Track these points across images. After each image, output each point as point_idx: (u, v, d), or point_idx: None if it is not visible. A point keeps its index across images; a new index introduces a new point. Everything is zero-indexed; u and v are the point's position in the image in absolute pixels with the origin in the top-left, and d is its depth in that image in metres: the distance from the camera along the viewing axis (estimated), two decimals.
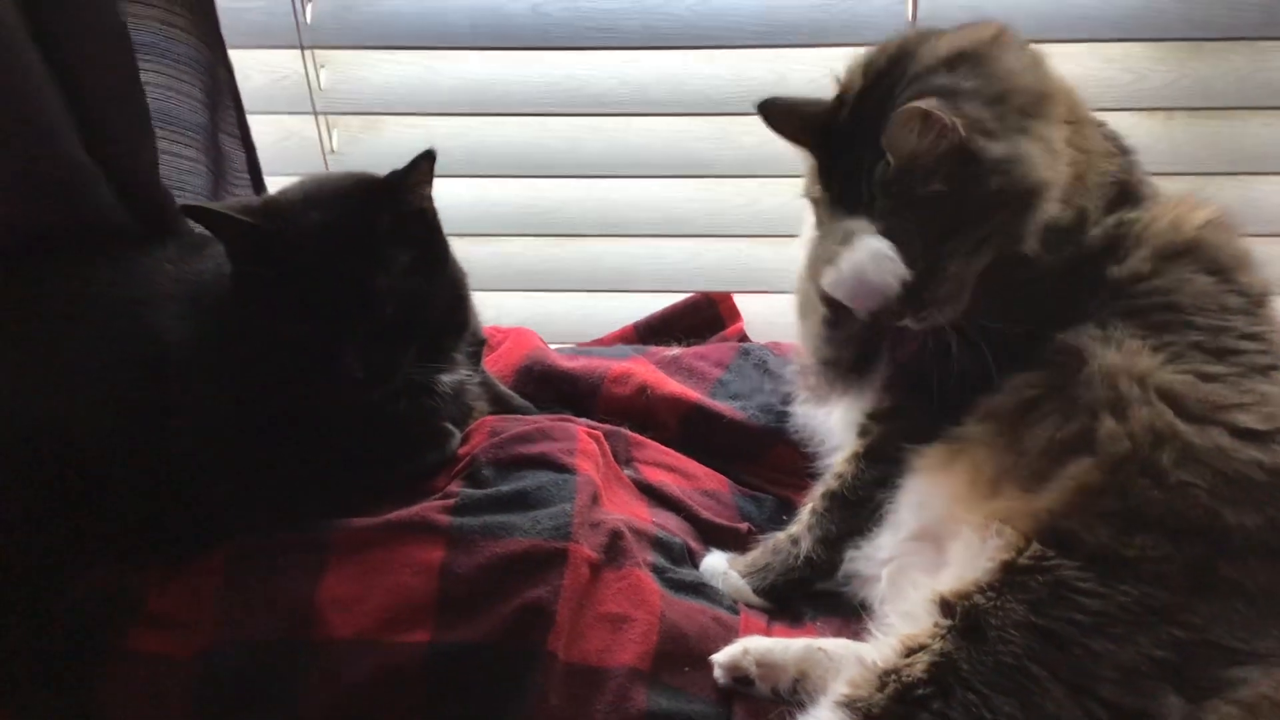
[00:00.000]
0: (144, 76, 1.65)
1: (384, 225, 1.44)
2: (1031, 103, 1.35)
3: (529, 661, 1.31)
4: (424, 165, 1.46)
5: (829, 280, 1.36)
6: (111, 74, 1.59)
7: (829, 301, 1.42)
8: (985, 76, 1.33)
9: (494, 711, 1.29)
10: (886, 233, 1.29)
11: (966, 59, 1.35)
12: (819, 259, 1.39)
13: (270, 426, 1.48)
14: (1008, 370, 1.36)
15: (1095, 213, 1.40)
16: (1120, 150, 1.48)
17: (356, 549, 1.41)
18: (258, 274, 1.41)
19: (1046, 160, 1.32)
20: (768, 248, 2.32)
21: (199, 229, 1.71)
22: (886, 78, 1.37)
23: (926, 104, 1.24)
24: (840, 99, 1.41)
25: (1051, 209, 1.34)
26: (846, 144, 1.36)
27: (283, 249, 1.40)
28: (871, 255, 1.31)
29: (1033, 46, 1.43)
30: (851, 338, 1.46)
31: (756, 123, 2.15)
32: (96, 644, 1.37)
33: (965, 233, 1.30)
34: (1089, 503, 1.22)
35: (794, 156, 2.11)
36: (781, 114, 1.41)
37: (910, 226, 1.29)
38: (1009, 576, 1.20)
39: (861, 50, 1.45)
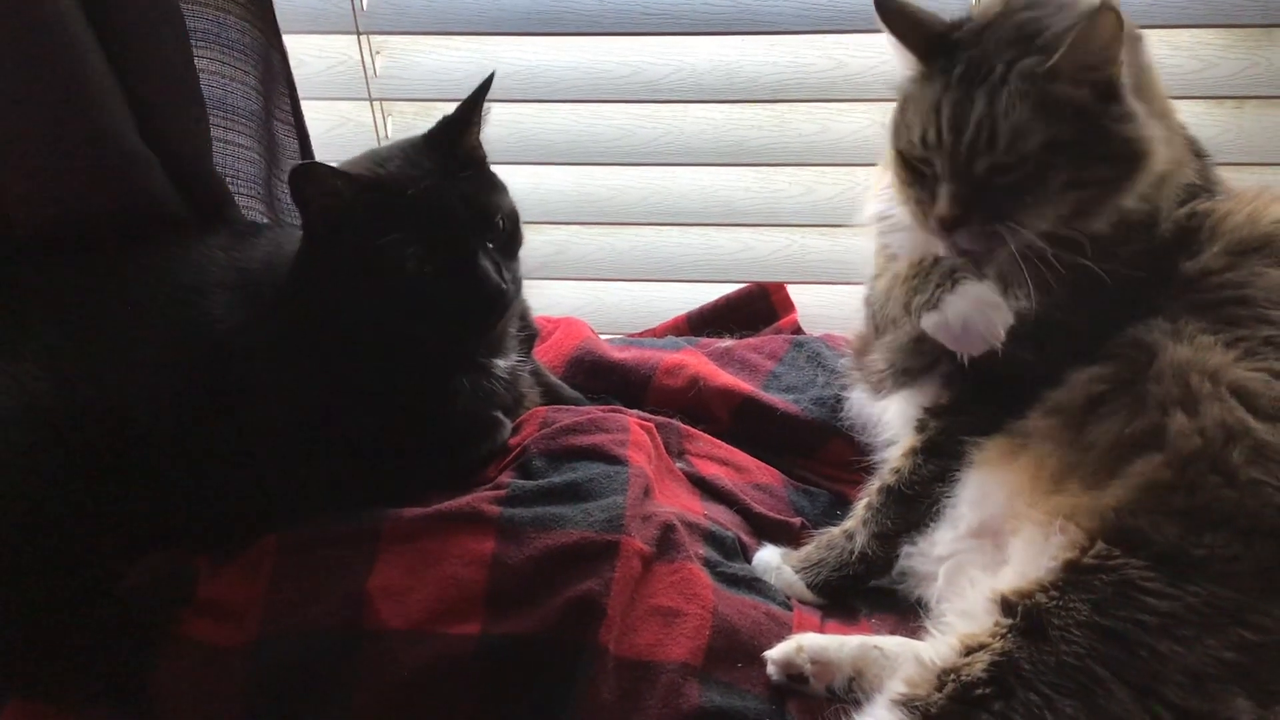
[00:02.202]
0: (198, 63, 1.66)
1: (464, 154, 1.52)
2: (1149, 98, 1.35)
3: (580, 655, 1.30)
4: (484, 89, 1.54)
5: (931, 325, 1.36)
6: (166, 61, 1.60)
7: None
8: (1131, 52, 1.32)
9: (545, 704, 1.29)
10: (1000, 113, 1.27)
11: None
12: (918, 295, 1.40)
13: (324, 415, 1.48)
14: (1074, 364, 1.34)
15: (1167, 210, 1.39)
16: (1196, 155, 1.47)
17: (407, 539, 1.41)
18: (363, 229, 1.42)
19: (1162, 140, 1.33)
20: (822, 238, 2.29)
21: (252, 215, 1.72)
22: (1028, 9, 1.34)
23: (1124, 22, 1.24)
24: (966, 19, 1.38)
25: (1143, 188, 1.32)
26: (968, 48, 1.33)
27: (396, 189, 1.43)
28: (977, 304, 1.32)
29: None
30: (934, 348, 1.44)
31: (813, 111, 2.14)
32: (149, 632, 1.38)
33: (1077, 159, 1.29)
34: (1157, 500, 1.19)
35: (850, 145, 2.11)
36: (898, 11, 1.39)
37: (1033, 117, 1.26)
38: (1073, 575, 1.18)
39: None
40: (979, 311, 1.32)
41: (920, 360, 1.49)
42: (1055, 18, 1.31)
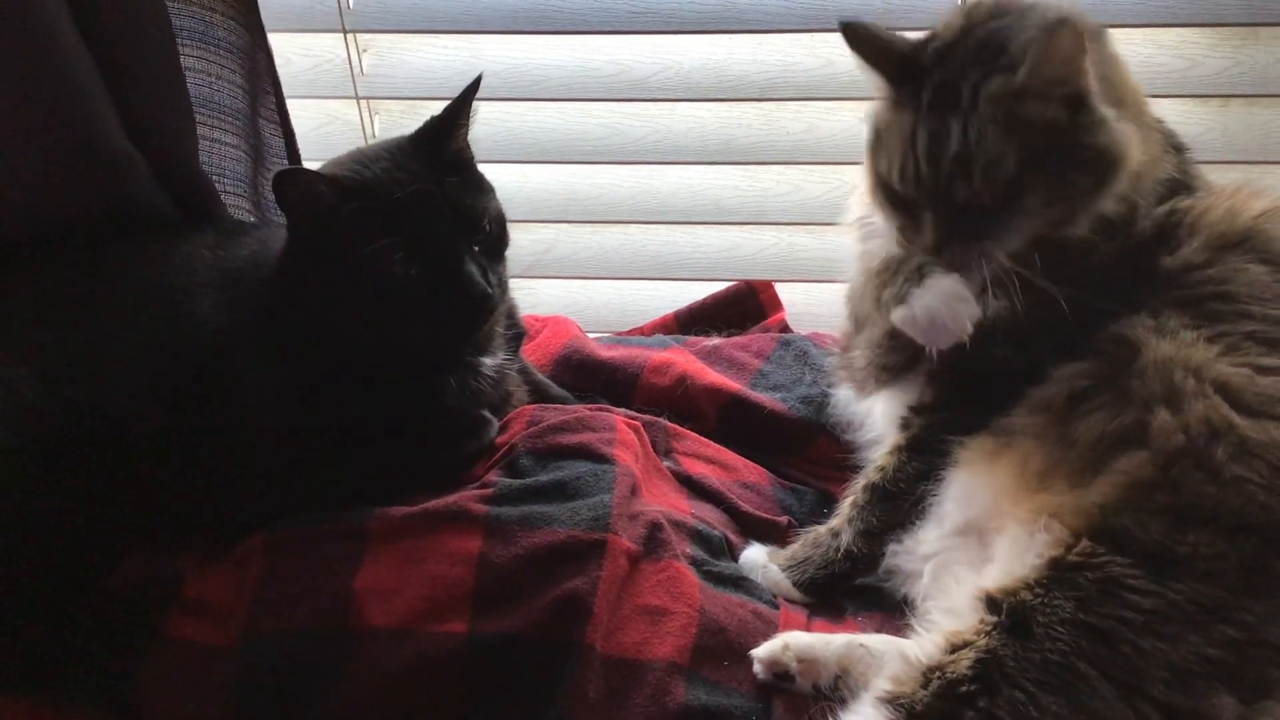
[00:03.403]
0: (184, 62, 1.66)
1: (451, 155, 1.52)
2: (1118, 99, 1.34)
3: (567, 653, 1.30)
4: (471, 91, 1.53)
5: (899, 318, 1.37)
6: (152, 60, 1.60)
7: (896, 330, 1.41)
8: (1097, 54, 1.31)
9: (532, 703, 1.29)
10: (973, 142, 1.27)
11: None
12: (888, 292, 1.40)
13: (311, 414, 1.48)
14: (1057, 361, 1.34)
15: (1146, 207, 1.38)
16: (1175, 149, 1.46)
17: (394, 537, 1.40)
18: (349, 233, 1.42)
19: (1135, 141, 1.32)
20: (810, 236, 2.30)
21: (239, 214, 1.72)
22: (992, 22, 1.34)
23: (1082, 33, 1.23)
24: (933, 37, 1.37)
25: (1122, 189, 1.32)
26: (935, 70, 1.33)
27: (382, 194, 1.43)
28: (945, 297, 1.32)
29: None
30: (910, 344, 1.44)
31: (801, 109, 2.14)
32: (136, 630, 1.38)
33: (1052, 173, 1.28)
34: (1141, 498, 1.20)
35: (838, 144, 2.11)
36: (865, 39, 1.38)
37: (1005, 141, 1.26)
38: (1057, 573, 1.18)
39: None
40: (945, 305, 1.32)
41: (897, 357, 1.49)
42: (1018, 28, 1.31)
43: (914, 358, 1.46)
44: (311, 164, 1.79)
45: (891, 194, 1.37)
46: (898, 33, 1.40)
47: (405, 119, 2.22)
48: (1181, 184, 1.42)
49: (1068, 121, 1.27)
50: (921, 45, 1.37)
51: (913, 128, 1.31)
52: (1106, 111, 1.28)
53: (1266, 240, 1.35)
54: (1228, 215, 1.37)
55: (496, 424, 1.64)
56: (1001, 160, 1.26)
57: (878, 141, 1.39)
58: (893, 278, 1.41)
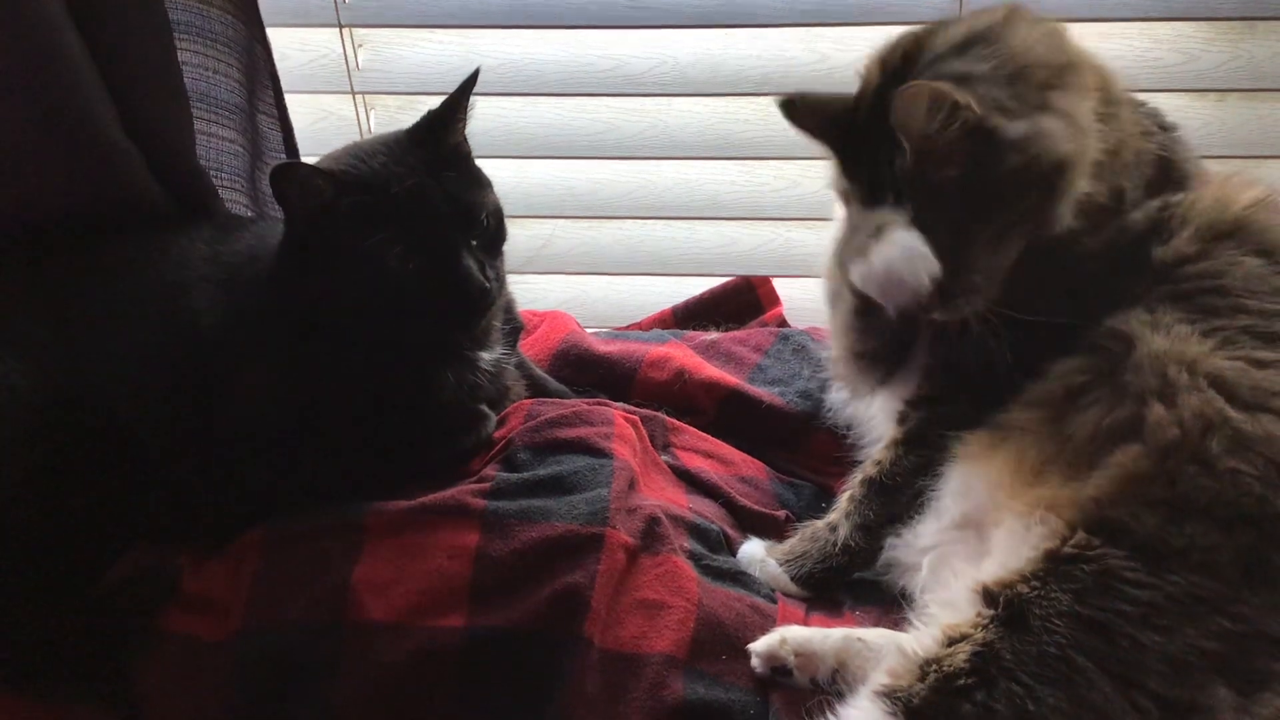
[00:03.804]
0: (181, 56, 1.66)
1: (448, 150, 1.51)
2: (1051, 75, 1.30)
3: (565, 647, 1.30)
4: (469, 85, 1.53)
5: (858, 274, 1.34)
6: (149, 54, 1.60)
7: (860, 294, 1.39)
8: (999, 56, 1.29)
9: (530, 698, 1.29)
10: (916, 224, 1.26)
11: (979, 40, 1.30)
12: (849, 251, 1.36)
13: (308, 408, 1.48)
14: (1054, 356, 1.34)
15: (1135, 191, 1.37)
16: (1160, 127, 1.44)
17: (391, 532, 1.41)
18: (346, 228, 1.42)
19: (1070, 134, 1.27)
20: (807, 231, 2.29)
21: (236, 208, 1.71)
22: (901, 70, 1.33)
23: (933, 83, 1.20)
24: (860, 95, 1.37)
25: (1082, 185, 1.29)
26: (866, 139, 1.33)
27: (380, 188, 1.43)
28: (902, 250, 1.28)
29: (1052, 21, 1.38)
30: (883, 328, 1.44)
31: None
32: (134, 626, 1.38)
33: (992, 219, 1.27)
34: (1137, 491, 1.19)
35: None
36: (804, 112, 1.38)
37: (935, 216, 1.26)
38: (1054, 566, 1.18)
39: (878, 44, 1.41)
40: (904, 258, 1.28)
41: (870, 341, 1.48)
42: (916, 76, 1.29)
43: (886, 343, 1.46)
44: (308, 158, 1.80)
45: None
46: (834, 95, 1.39)
47: (401, 114, 2.22)
48: (1170, 164, 1.41)
49: (975, 163, 1.23)
50: (854, 105, 1.36)
51: (863, 242, 1.32)
52: (1015, 130, 1.23)
53: (1260, 231, 1.34)
54: (1217, 205, 1.36)
55: (494, 418, 1.64)
56: (940, 236, 1.25)
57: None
58: (853, 235, 1.36)
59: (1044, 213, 1.28)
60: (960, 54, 1.30)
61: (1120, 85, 1.41)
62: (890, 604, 1.46)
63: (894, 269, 1.29)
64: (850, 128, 1.35)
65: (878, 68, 1.36)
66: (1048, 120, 1.26)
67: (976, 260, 1.28)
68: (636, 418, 1.68)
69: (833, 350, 1.60)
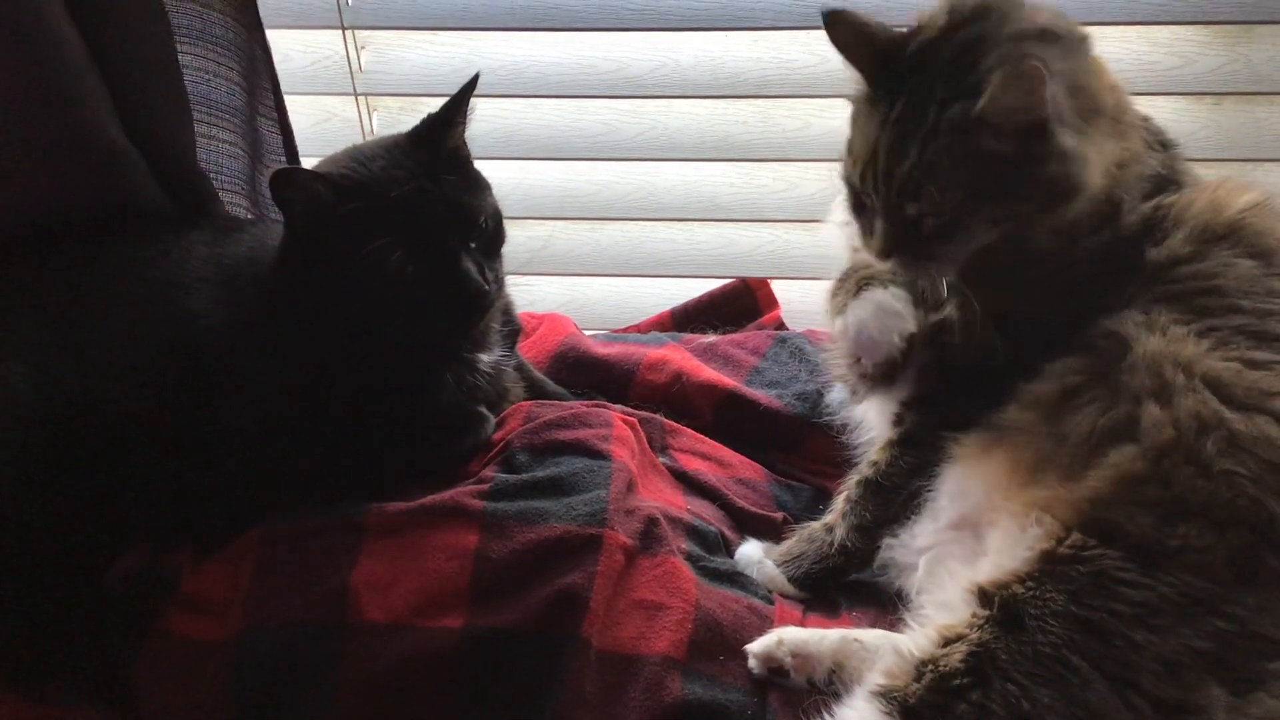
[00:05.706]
0: (182, 59, 1.66)
1: (448, 154, 1.52)
2: (1093, 108, 1.33)
3: (563, 648, 1.30)
4: (469, 89, 1.53)
5: (836, 329, 1.41)
6: (150, 57, 1.60)
7: None
8: (1072, 65, 1.31)
9: (528, 698, 1.29)
10: (926, 168, 1.27)
11: (1058, 41, 1.31)
12: (834, 302, 1.45)
13: (307, 410, 1.48)
14: (1049, 357, 1.34)
15: (1131, 201, 1.38)
16: (1162, 145, 1.46)
17: (390, 532, 1.41)
18: (346, 231, 1.42)
19: (1097, 168, 1.31)
20: (806, 233, 2.30)
21: (236, 211, 1.72)
22: (973, 25, 1.32)
23: (1045, 75, 1.21)
24: (915, 32, 1.36)
25: (1078, 208, 1.31)
26: (910, 75, 1.32)
27: (379, 192, 1.43)
28: (875, 311, 1.36)
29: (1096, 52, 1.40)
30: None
31: (796, 106, 2.13)
32: (132, 626, 1.39)
33: (999, 203, 1.29)
34: (1131, 491, 1.20)
35: (834, 142, 2.10)
36: (848, 30, 1.36)
37: (956, 173, 1.27)
38: (1049, 566, 1.19)
39: None
40: (875, 319, 1.36)
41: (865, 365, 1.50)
42: (993, 39, 1.29)
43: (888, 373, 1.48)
44: (309, 160, 1.80)
45: (853, 193, 1.38)
46: (883, 25, 1.37)
47: (403, 116, 2.23)
48: (1168, 180, 1.42)
49: (1024, 152, 1.25)
50: (903, 41, 1.35)
51: (876, 137, 1.32)
52: (1068, 141, 1.26)
53: (1254, 234, 1.35)
54: (1211, 207, 1.37)
55: (493, 420, 1.64)
56: (952, 188, 1.27)
57: (850, 141, 1.39)
58: (840, 288, 1.44)
59: (1038, 221, 1.31)
60: (1042, 43, 1.30)
61: (1133, 110, 1.43)
62: (887, 605, 1.46)
63: (865, 330, 1.40)
64: (894, 60, 1.34)
65: (945, 14, 1.35)
66: (1086, 145, 1.29)
67: (960, 232, 1.30)
68: (635, 420, 1.69)
69: (835, 356, 1.61)
